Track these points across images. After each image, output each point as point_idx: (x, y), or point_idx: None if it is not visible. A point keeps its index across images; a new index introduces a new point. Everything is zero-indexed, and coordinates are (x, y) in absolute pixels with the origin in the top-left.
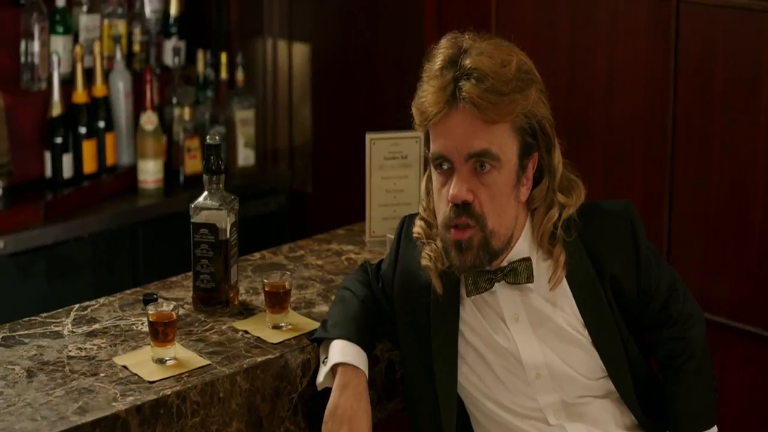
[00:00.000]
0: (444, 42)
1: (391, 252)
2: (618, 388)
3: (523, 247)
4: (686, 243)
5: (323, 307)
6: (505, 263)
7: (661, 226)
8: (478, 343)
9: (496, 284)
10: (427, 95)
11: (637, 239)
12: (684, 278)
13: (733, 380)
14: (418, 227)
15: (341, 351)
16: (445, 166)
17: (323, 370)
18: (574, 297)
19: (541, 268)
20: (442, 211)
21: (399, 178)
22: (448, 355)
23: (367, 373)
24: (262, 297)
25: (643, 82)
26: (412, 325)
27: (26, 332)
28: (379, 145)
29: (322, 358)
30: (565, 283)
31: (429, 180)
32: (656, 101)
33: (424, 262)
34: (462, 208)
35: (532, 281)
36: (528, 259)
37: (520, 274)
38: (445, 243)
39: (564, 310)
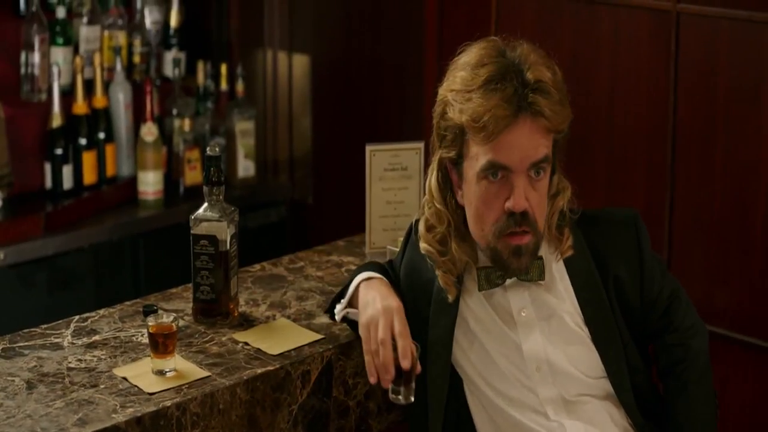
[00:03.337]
0: (484, 51)
1: (400, 250)
2: (616, 391)
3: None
4: (687, 253)
5: (323, 319)
6: None
7: (661, 235)
8: (482, 333)
9: (508, 280)
10: (483, 108)
11: (642, 247)
12: (684, 288)
13: (734, 391)
14: (424, 243)
15: (364, 274)
16: (499, 175)
17: (339, 307)
18: (575, 293)
19: (551, 262)
20: (493, 219)
21: (399, 189)
22: (444, 345)
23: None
24: (262, 308)
25: (645, 92)
26: (412, 318)
27: (26, 344)
28: (379, 157)
29: (338, 311)
30: (567, 278)
31: (443, 184)
32: (658, 111)
33: (443, 284)
34: (521, 216)
35: (543, 279)
36: (540, 258)
37: (532, 272)
38: (496, 250)
39: (567, 306)
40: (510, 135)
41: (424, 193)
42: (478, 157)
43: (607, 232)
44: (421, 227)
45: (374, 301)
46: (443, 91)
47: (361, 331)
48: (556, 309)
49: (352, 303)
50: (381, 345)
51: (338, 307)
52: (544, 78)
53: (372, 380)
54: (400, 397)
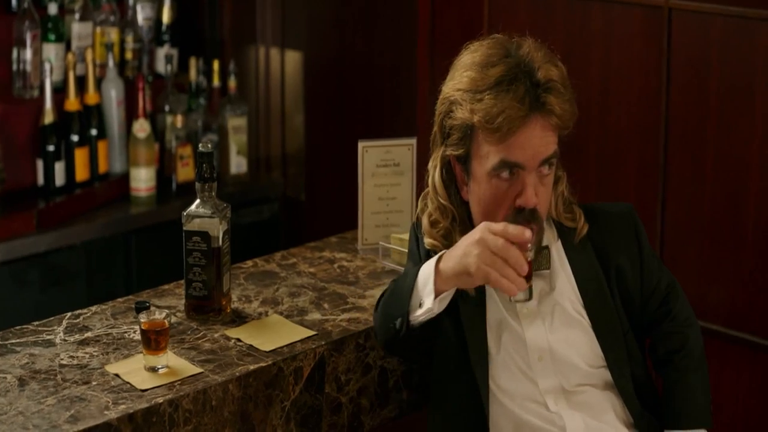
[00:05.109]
0: (491, 51)
1: (413, 254)
2: (615, 380)
3: (544, 235)
4: (679, 250)
5: (315, 315)
6: None
7: (654, 233)
8: (489, 325)
9: None
10: (497, 108)
11: (640, 237)
12: None
13: (728, 387)
14: (429, 239)
15: (430, 262)
16: (510, 173)
17: (420, 311)
18: (576, 282)
19: (554, 251)
20: (502, 215)
21: (392, 185)
22: (481, 346)
23: None
24: (254, 305)
25: (637, 89)
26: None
27: (18, 340)
28: (371, 153)
29: (420, 314)
30: (569, 268)
31: (447, 180)
32: (650, 109)
33: None
34: (530, 212)
35: (548, 268)
36: (546, 247)
37: (539, 260)
38: None
39: (569, 294)
40: (522, 134)
41: (419, 192)
42: (489, 156)
43: (606, 224)
44: (425, 222)
45: (462, 248)
46: (449, 89)
47: (481, 268)
48: (558, 298)
49: (438, 289)
50: (503, 250)
51: (419, 312)
52: (554, 76)
53: (514, 291)
54: (521, 295)
